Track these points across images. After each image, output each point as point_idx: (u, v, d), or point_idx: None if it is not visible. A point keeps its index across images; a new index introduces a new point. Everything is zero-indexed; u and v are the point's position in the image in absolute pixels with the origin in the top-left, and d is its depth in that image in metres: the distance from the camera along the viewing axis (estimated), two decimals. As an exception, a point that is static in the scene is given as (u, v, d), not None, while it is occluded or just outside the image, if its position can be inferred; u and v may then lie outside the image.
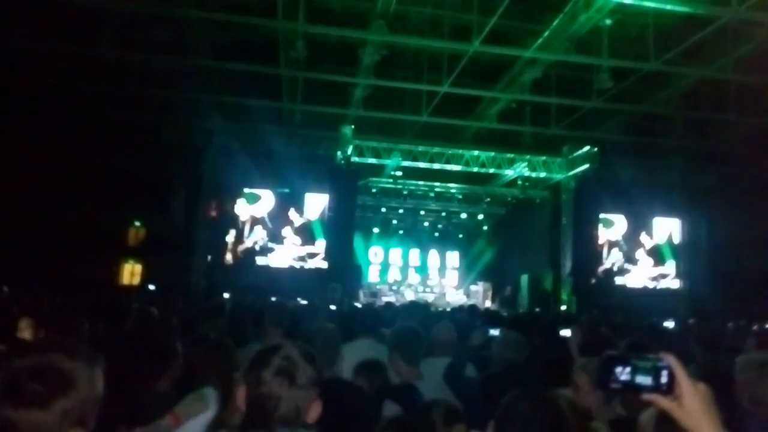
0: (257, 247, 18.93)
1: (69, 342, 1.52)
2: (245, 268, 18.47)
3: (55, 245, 15.97)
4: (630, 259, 20.61)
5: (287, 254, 18.99)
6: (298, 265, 18.88)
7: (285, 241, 18.99)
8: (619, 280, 20.37)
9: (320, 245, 19.03)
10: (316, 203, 19.21)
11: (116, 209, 17.71)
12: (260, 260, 18.88)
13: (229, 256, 18.76)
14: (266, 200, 19.12)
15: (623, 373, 1.35)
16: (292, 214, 19.08)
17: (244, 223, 18.93)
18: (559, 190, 20.62)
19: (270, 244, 18.99)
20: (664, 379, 1.32)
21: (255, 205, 19.06)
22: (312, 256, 18.99)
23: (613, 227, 20.70)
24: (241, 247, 18.86)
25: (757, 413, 2.53)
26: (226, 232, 18.75)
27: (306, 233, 19.09)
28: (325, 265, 18.68)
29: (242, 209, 18.96)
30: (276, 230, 19.02)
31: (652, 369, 1.34)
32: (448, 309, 12.42)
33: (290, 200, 19.23)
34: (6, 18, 12.17)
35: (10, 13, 12.03)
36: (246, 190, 18.91)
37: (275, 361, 1.77)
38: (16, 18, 12.26)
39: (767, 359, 2.72)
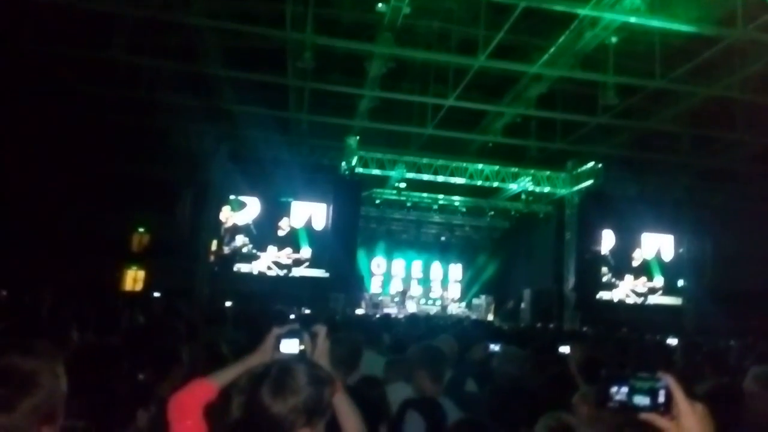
0: (238, 255, 18.91)
1: (28, 341, 1.51)
2: (224, 273, 18.43)
3: (58, 250, 16.02)
4: (619, 273, 20.63)
5: (272, 261, 18.94)
6: (282, 272, 18.84)
7: (269, 248, 18.95)
8: (606, 295, 20.38)
9: (305, 252, 19.02)
10: (303, 211, 19.23)
11: (120, 214, 17.74)
12: (244, 267, 18.80)
13: (210, 260, 18.64)
14: (252, 207, 19.10)
15: (620, 393, 1.35)
16: (282, 222, 19.10)
17: (226, 230, 18.91)
18: (563, 205, 20.61)
19: (254, 251, 18.95)
20: (661, 399, 1.32)
21: (240, 212, 19.04)
22: (298, 263, 18.97)
23: (606, 242, 20.77)
24: (219, 254, 18.82)
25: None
26: (211, 239, 18.74)
27: (292, 241, 19.09)
28: (321, 273, 18.68)
29: (226, 216, 18.94)
30: (261, 237, 18.97)
31: (649, 389, 1.34)
32: (449, 322, 12.39)
33: (282, 208, 19.22)
34: (17, 21, 12.30)
35: (21, 16, 12.17)
36: (231, 197, 18.88)
37: (274, 375, 1.76)
38: (27, 21, 12.39)
39: None
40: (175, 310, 7.21)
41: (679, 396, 1.32)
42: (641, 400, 1.34)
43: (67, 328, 3.95)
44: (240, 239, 18.90)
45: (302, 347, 2.06)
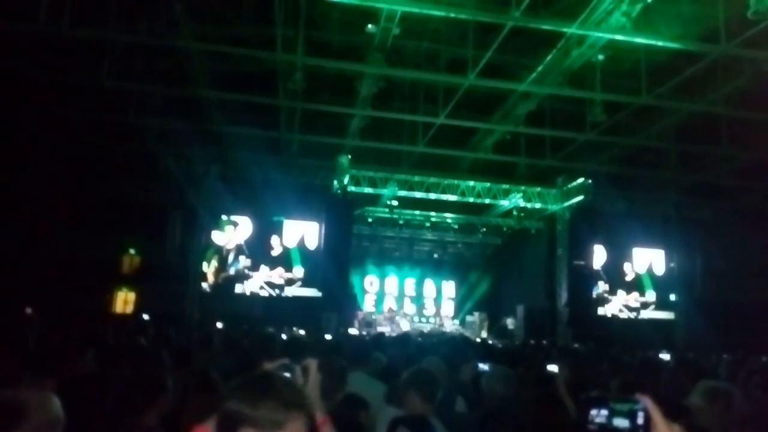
0: (237, 275, 18.80)
1: (13, 374, 1.54)
2: (224, 295, 18.29)
3: (48, 272, 15.90)
4: (611, 288, 20.68)
5: (264, 281, 18.83)
6: (275, 292, 18.71)
7: (262, 268, 18.84)
8: (599, 310, 20.41)
9: (298, 272, 18.95)
10: (295, 230, 19.17)
11: (111, 237, 17.68)
12: (237, 288, 18.65)
13: (205, 284, 18.52)
14: (244, 227, 19.04)
15: (600, 416, 1.36)
16: (273, 241, 19.02)
17: (228, 251, 18.80)
18: (555, 220, 20.70)
19: (247, 271, 18.86)
20: (640, 421, 1.34)
21: (233, 232, 18.95)
22: (290, 283, 18.88)
23: (598, 257, 20.85)
24: (222, 275, 18.67)
25: None
26: (206, 259, 18.60)
27: (284, 260, 19.01)
28: (313, 293, 18.58)
29: (227, 236, 18.85)
30: (253, 257, 18.86)
31: (628, 411, 1.35)
32: (443, 340, 12.34)
33: (274, 227, 19.13)
34: (6, 48, 12.34)
35: (10, 42, 12.21)
36: (224, 217, 18.78)
37: (254, 382, 1.73)
38: (17, 47, 12.43)
39: (729, 389, 2.74)
40: (164, 335, 7.15)
41: (657, 418, 1.34)
42: (621, 422, 1.36)
43: (78, 353, 3.89)
44: (243, 260, 18.75)
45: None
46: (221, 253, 18.72)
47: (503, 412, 3.58)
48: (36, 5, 10.56)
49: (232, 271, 18.67)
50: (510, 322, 21.13)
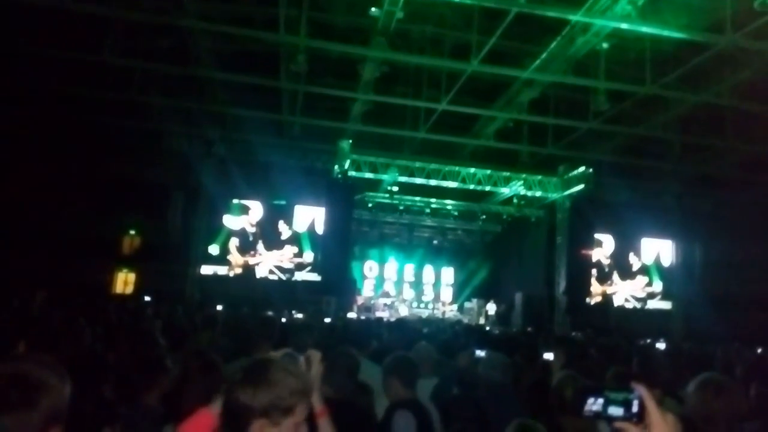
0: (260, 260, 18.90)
1: (35, 354, 1.66)
2: (247, 279, 18.40)
3: (49, 251, 15.95)
4: (612, 278, 20.78)
5: (275, 265, 18.90)
6: (285, 276, 18.79)
7: (274, 252, 18.89)
8: (602, 299, 20.55)
9: (308, 257, 18.99)
10: (305, 215, 19.19)
11: (112, 217, 17.71)
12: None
13: (228, 268, 18.60)
14: (255, 211, 19.05)
15: (596, 404, 1.40)
16: (282, 225, 19.04)
17: (254, 235, 18.82)
18: (555, 209, 20.71)
19: (262, 255, 18.92)
20: (635, 409, 1.38)
21: (246, 216, 19.00)
22: (300, 267, 18.93)
23: (606, 247, 20.90)
24: (253, 260, 18.75)
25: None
26: (221, 242, 18.63)
27: (294, 245, 19.06)
28: (314, 277, 18.64)
29: (244, 220, 18.91)
30: (265, 241, 18.93)
31: (623, 400, 1.39)
32: (441, 326, 12.43)
33: (283, 212, 19.18)
34: (9, 23, 12.26)
35: (13, 17, 12.12)
36: (235, 201, 18.83)
37: (256, 372, 1.73)
38: (20, 23, 12.35)
39: (722, 379, 2.77)
40: (166, 315, 7.19)
41: (651, 406, 1.37)
42: (615, 410, 1.39)
43: (79, 332, 3.92)
44: (259, 244, 18.78)
45: None
46: (245, 237, 18.70)
47: (493, 396, 3.62)
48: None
49: (256, 256, 18.65)
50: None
